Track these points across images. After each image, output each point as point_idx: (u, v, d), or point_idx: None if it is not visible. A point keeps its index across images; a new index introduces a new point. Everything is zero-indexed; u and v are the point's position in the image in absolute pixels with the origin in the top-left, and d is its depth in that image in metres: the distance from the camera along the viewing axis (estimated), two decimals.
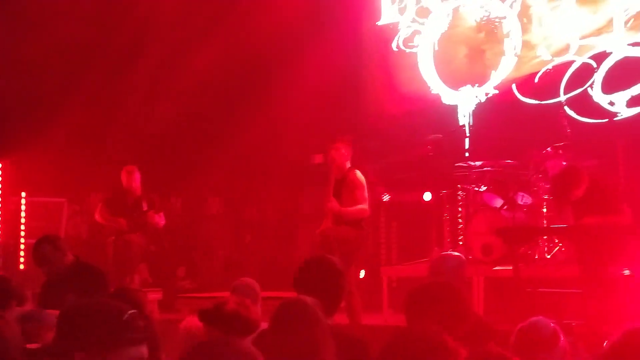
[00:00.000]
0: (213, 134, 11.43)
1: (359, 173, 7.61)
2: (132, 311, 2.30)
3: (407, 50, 10.85)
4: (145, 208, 9.06)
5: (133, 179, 9.06)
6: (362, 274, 9.92)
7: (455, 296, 3.68)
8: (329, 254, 7.00)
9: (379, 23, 11.15)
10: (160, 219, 9.00)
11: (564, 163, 8.49)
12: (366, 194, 7.56)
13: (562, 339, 3.23)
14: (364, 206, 7.47)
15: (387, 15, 11.09)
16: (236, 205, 11.69)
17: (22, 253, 10.13)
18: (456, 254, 5.38)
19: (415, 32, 10.84)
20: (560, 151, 8.48)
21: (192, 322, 4.81)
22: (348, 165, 7.66)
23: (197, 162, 11.22)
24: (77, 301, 2.50)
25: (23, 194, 10.42)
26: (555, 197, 7.00)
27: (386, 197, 9.92)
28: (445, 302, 3.63)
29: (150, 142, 11.16)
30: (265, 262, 10.93)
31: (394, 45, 10.92)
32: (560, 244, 8.33)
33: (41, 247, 6.09)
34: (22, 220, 10.33)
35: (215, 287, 9.77)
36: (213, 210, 11.50)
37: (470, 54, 10.48)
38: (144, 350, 2.28)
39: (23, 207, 10.38)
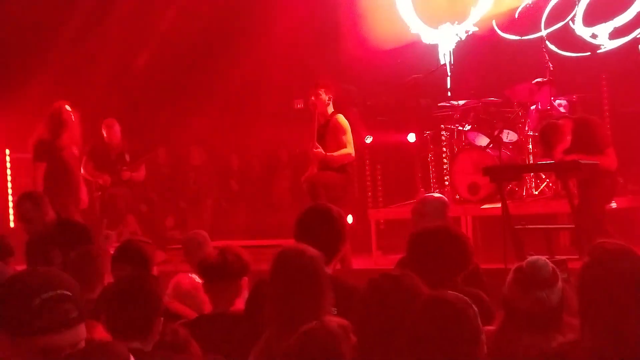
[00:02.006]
0: (193, 84, 11.28)
1: (342, 117, 7.52)
2: (53, 293, 2.04)
3: None
4: (128, 160, 8.98)
5: (113, 133, 8.94)
6: (350, 218, 9.92)
7: (460, 244, 3.70)
8: (315, 200, 7.07)
9: None
10: (138, 175, 8.93)
11: (552, 98, 8.47)
12: (351, 137, 7.49)
13: (559, 277, 3.22)
14: (349, 150, 7.40)
15: None
16: (220, 154, 11.61)
17: (10, 210, 10.03)
18: (438, 195, 5.35)
19: None
20: (546, 86, 8.44)
21: (183, 278, 4.81)
22: (331, 109, 7.56)
23: (178, 112, 11.10)
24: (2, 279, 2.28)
25: (7, 151, 10.29)
26: (541, 151, 7.01)
27: (369, 139, 9.86)
28: (450, 249, 3.64)
29: (130, 94, 11.00)
30: (252, 209, 10.91)
31: None
32: (548, 180, 8.34)
33: (22, 204, 6.00)
34: (9, 178, 10.21)
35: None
36: (197, 160, 11.42)
37: None
38: (66, 336, 2.04)
39: (8, 165, 10.25)
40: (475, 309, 2.59)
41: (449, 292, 2.71)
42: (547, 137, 6.57)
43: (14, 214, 6.21)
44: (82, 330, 2.10)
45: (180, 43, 11.04)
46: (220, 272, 3.97)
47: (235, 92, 11.11)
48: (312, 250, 3.16)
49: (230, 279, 4.00)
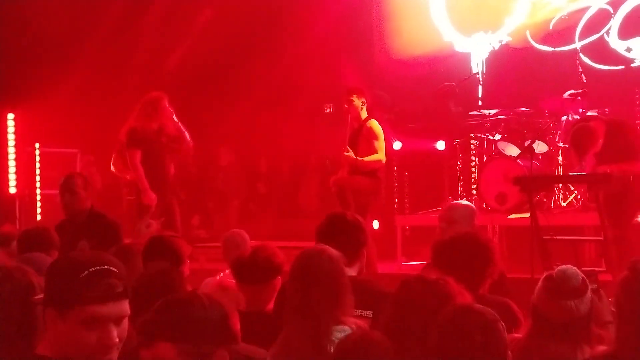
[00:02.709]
0: (224, 85, 11.35)
1: (375, 123, 7.57)
2: (101, 268, 2.15)
3: None
4: None
5: None
6: (376, 224, 9.95)
7: (487, 251, 3.70)
8: (344, 204, 7.11)
9: None
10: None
11: (581, 110, 8.42)
12: (383, 144, 7.52)
13: (589, 287, 3.22)
14: (380, 156, 7.44)
15: None
16: (249, 155, 11.68)
17: (38, 204, 10.14)
18: (466, 202, 5.36)
19: None
20: (579, 98, 8.40)
21: (225, 280, 4.82)
22: (364, 114, 7.60)
23: (208, 113, 11.17)
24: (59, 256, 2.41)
25: (37, 145, 10.37)
26: (572, 154, 6.95)
27: (398, 145, 9.87)
28: (475, 256, 3.64)
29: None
30: (278, 212, 10.96)
31: None
32: (576, 192, 8.30)
33: (73, 179, 6.02)
34: (37, 172, 10.30)
35: None
36: (225, 160, 11.49)
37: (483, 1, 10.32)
38: (112, 308, 2.14)
39: (37, 158, 10.34)
40: (503, 324, 2.55)
41: (478, 304, 2.70)
42: (578, 140, 6.51)
43: (60, 190, 6.16)
44: (126, 306, 2.19)
45: (212, 44, 11.12)
46: (251, 272, 4.00)
47: (266, 95, 11.17)
48: (332, 251, 3.19)
49: (262, 278, 4.02)
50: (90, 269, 2.13)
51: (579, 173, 6.84)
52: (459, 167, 9.61)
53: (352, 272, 3.46)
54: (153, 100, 7.27)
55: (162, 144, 7.28)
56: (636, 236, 6.56)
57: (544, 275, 3.46)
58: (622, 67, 9.24)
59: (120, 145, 8.45)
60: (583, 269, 5.23)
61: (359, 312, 3.31)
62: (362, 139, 7.44)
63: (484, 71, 10.11)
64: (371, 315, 3.18)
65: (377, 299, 3.30)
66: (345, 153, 7.40)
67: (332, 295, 3.09)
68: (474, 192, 9.36)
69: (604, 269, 6.50)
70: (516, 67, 9.83)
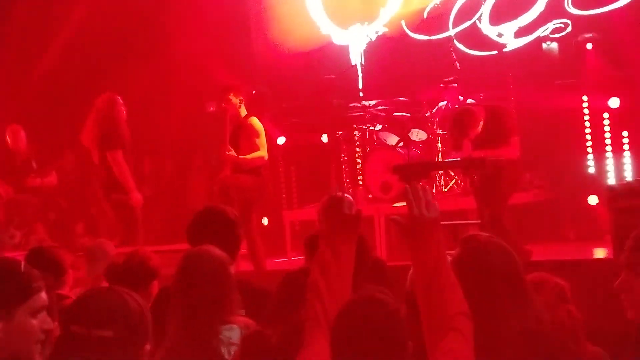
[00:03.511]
0: (103, 86, 11.01)
1: (255, 120, 7.50)
2: (22, 262, 2.31)
3: None
4: (35, 167, 8.74)
5: (19, 139, 8.70)
6: (265, 220, 9.91)
7: (361, 241, 3.68)
8: (228, 203, 7.02)
9: None
10: (49, 180, 8.68)
11: (461, 98, 8.63)
12: (264, 140, 7.46)
13: None
14: (262, 153, 7.38)
15: None
16: (131, 158, 11.37)
17: None
18: (346, 196, 5.36)
19: None
20: (455, 85, 8.59)
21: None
22: (244, 112, 7.52)
23: (86, 115, 10.82)
24: None
25: None
26: (453, 136, 7.09)
27: (281, 140, 9.85)
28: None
29: (35, 99, 10.69)
30: (166, 214, 10.74)
31: None
32: (456, 177, 8.50)
33: None
34: None
35: (115, 242, 9.55)
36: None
37: None
38: (44, 295, 2.28)
39: None
40: (403, 314, 2.45)
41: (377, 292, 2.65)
42: (460, 122, 6.66)
43: None
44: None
45: (86, 45, 10.79)
46: (125, 278, 3.90)
47: (146, 95, 10.91)
48: (217, 252, 3.13)
49: (137, 284, 3.92)
50: (22, 264, 2.27)
51: (455, 159, 7.00)
52: (344, 159, 9.68)
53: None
54: (111, 102, 7.34)
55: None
56: (509, 217, 6.76)
57: None
58: (494, 52, 9.50)
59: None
60: None
61: None
62: (243, 137, 7.37)
63: (363, 62, 10.21)
64: (243, 314, 3.14)
65: (250, 297, 3.26)
66: (227, 152, 7.30)
67: (218, 296, 3.05)
68: (359, 182, 9.45)
69: None
70: (394, 57, 9.97)
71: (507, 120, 6.83)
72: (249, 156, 7.31)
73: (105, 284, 4.70)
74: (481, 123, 6.67)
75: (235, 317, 3.13)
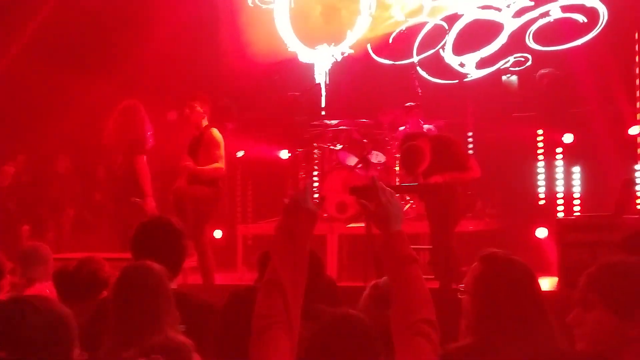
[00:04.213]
0: (62, 89, 10.93)
1: (216, 131, 7.46)
2: None
3: (263, 6, 10.74)
4: None
5: None
6: (218, 233, 9.89)
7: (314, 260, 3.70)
8: (182, 213, 6.99)
9: None
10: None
11: (421, 122, 8.73)
12: (223, 152, 7.43)
13: None
14: (220, 165, 7.34)
15: None
16: (85, 162, 11.28)
17: None
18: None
19: None
20: (416, 110, 8.70)
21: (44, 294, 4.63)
22: (205, 122, 7.49)
23: (46, 118, 10.72)
24: None
25: None
26: (403, 172, 7.19)
27: (240, 153, 9.85)
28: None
29: None
30: (115, 222, 10.63)
31: (249, 1, 10.78)
32: (412, 202, 8.59)
33: None
34: None
35: (64, 247, 9.45)
36: (61, 167, 11.05)
37: (325, 11, 10.50)
38: None
39: None
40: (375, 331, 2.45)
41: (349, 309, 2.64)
42: (407, 160, 6.74)
43: None
44: None
45: (45, 46, 10.69)
46: (74, 287, 3.85)
47: (106, 101, 10.84)
48: (156, 266, 3.09)
49: (87, 294, 3.88)
50: None
51: (411, 183, 7.07)
52: (302, 176, 9.71)
53: (172, 284, 3.37)
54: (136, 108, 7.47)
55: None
56: (460, 244, 6.86)
57: (371, 284, 3.53)
58: (456, 81, 9.65)
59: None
60: None
61: None
62: (203, 147, 7.32)
63: (327, 82, 10.29)
64: (184, 330, 3.11)
65: (191, 312, 3.23)
66: (184, 162, 7.26)
67: (154, 311, 3.00)
68: (316, 201, 9.47)
69: (432, 277, 6.76)
70: (357, 79, 10.08)
71: (456, 148, 6.91)
72: (206, 167, 7.27)
73: (41, 288, 4.66)
74: (428, 158, 6.70)
75: (174, 334, 3.10)
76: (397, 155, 8.72)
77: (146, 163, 7.27)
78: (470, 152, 9.09)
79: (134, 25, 10.63)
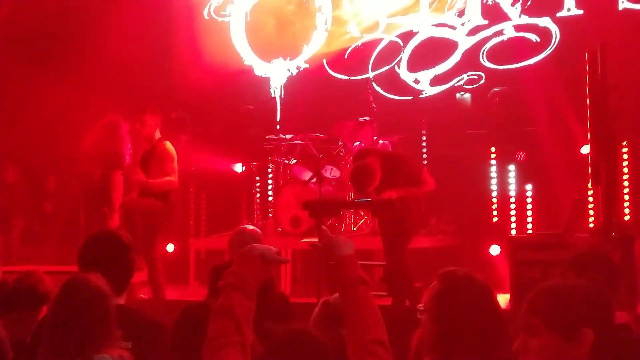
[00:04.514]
0: (11, 98, 10.72)
1: (168, 144, 7.38)
2: None
3: (219, 19, 10.70)
4: None
5: None
6: (171, 247, 9.77)
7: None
8: (132, 226, 6.88)
9: None
10: None
11: (375, 138, 8.74)
12: (175, 165, 7.35)
13: None
14: (172, 178, 7.25)
15: None
16: (35, 172, 11.06)
17: None
18: (251, 227, 5.32)
19: (227, 1, 10.70)
20: (370, 125, 8.71)
21: None
22: (157, 135, 7.40)
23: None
24: None
25: None
26: (354, 191, 7.17)
27: (194, 167, 9.77)
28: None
29: None
30: (66, 233, 10.45)
31: (205, 13, 10.73)
32: (365, 217, 8.59)
33: None
34: None
35: (12, 259, 9.23)
36: (10, 177, 10.81)
37: (278, 25, 10.49)
38: None
39: None
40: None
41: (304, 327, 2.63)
42: (357, 180, 6.68)
43: None
44: None
45: None
46: (13, 300, 3.75)
47: (57, 110, 10.66)
48: (96, 280, 3.00)
49: (25, 307, 3.78)
50: None
51: (364, 199, 7.05)
52: (256, 190, 9.66)
53: (120, 300, 3.29)
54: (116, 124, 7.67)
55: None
56: (413, 260, 6.86)
57: (322, 300, 3.50)
58: (410, 97, 9.70)
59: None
60: None
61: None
62: (154, 160, 7.23)
63: (282, 96, 10.27)
64: (130, 347, 3.03)
65: (137, 329, 3.16)
66: (134, 175, 7.16)
67: (92, 327, 2.90)
68: (270, 215, 9.43)
69: (386, 294, 6.74)
70: (313, 94, 10.08)
71: (406, 164, 6.90)
72: (157, 180, 7.18)
73: None
74: (378, 175, 6.68)
75: (113, 349, 3.01)
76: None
77: (121, 179, 7.43)
78: (424, 162, 9.15)
79: (86, 35, 10.48)
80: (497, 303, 2.63)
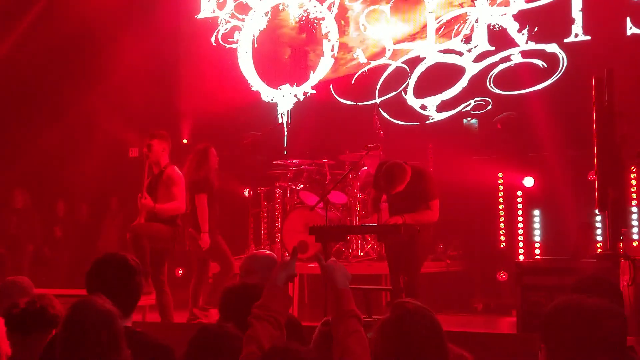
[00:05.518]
0: (21, 124, 10.81)
1: (176, 169, 7.42)
2: None
3: (227, 45, 10.78)
4: None
5: None
6: (180, 271, 9.78)
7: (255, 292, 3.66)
8: (140, 251, 6.90)
9: (198, 16, 11.01)
10: None
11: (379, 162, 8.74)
12: (183, 190, 7.38)
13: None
14: (179, 203, 7.29)
15: (206, 9, 10.98)
16: (44, 197, 11.12)
17: None
18: (267, 252, 5.34)
19: (235, 28, 10.80)
20: (377, 151, 8.72)
21: None
22: (165, 161, 7.44)
23: (2, 151, 10.56)
24: None
25: None
26: (376, 188, 7.12)
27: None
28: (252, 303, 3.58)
29: None
30: (75, 258, 10.49)
31: (212, 40, 10.82)
32: (372, 242, 8.58)
33: None
34: None
35: None
36: (19, 202, 10.87)
37: (293, 54, 10.58)
38: None
39: None
40: None
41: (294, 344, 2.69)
42: (391, 174, 6.64)
43: None
44: None
45: (4, 81, 10.59)
46: (23, 321, 3.75)
47: (66, 135, 10.75)
48: (103, 302, 3.02)
49: (34, 329, 3.78)
50: None
51: (371, 224, 7.05)
52: (263, 215, 9.67)
53: (127, 322, 3.30)
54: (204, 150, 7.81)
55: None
56: (419, 285, 6.83)
57: (322, 320, 3.50)
58: (417, 123, 9.73)
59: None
60: (372, 318, 5.40)
61: None
62: (162, 185, 7.27)
63: (289, 122, 10.32)
64: None
65: (144, 351, 3.16)
66: (142, 199, 7.18)
67: (101, 350, 2.92)
68: (277, 240, 9.44)
69: None
70: (319, 120, 10.12)
71: (429, 182, 6.90)
72: (165, 205, 7.21)
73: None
74: (407, 181, 6.71)
75: None
76: (360, 196, 8.72)
77: (206, 202, 7.60)
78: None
79: (93, 62, 10.59)
80: (443, 339, 2.62)
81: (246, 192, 9.98)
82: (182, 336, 3.93)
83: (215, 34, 10.81)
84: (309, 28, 10.52)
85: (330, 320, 3.29)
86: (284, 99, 10.46)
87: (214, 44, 10.81)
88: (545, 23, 9.17)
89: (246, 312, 3.63)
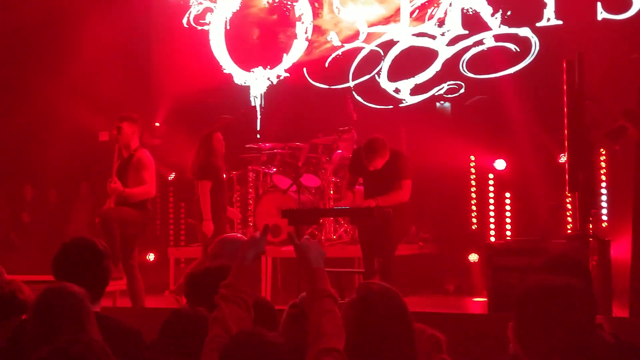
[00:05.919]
0: None
1: (146, 153, 7.33)
2: None
3: (198, 27, 10.68)
4: None
5: None
6: (151, 256, 9.72)
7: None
8: (110, 235, 6.83)
9: None
10: None
11: (355, 147, 8.73)
12: (153, 174, 7.29)
13: None
14: (149, 187, 7.20)
15: None
16: (12, 183, 10.98)
17: None
18: (237, 235, 5.30)
19: (207, 10, 10.70)
20: (350, 135, 8.71)
21: None
22: (135, 144, 7.35)
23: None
24: None
25: None
26: (352, 171, 7.13)
27: (172, 176, 9.73)
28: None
29: None
30: (44, 244, 10.37)
31: (184, 22, 10.72)
32: (345, 225, 8.58)
33: None
34: None
35: None
36: None
37: (263, 36, 10.51)
38: None
39: None
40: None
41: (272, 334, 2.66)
42: (374, 146, 6.71)
43: None
44: None
45: None
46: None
47: (33, 120, 10.60)
48: (75, 288, 2.99)
49: (5, 315, 3.73)
50: None
51: (344, 207, 7.05)
52: (237, 199, 9.63)
53: (95, 307, 3.27)
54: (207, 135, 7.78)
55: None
56: (397, 266, 6.86)
57: (290, 303, 3.50)
58: (391, 106, 9.72)
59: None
60: (345, 300, 5.40)
61: None
62: (131, 169, 7.17)
63: (262, 105, 10.26)
64: None
65: (114, 336, 3.13)
66: (111, 184, 7.09)
67: (73, 336, 2.89)
68: (250, 223, 9.41)
69: None
70: (293, 103, 10.07)
71: (405, 162, 6.93)
72: (135, 189, 7.12)
73: None
74: (387, 158, 6.75)
75: None
76: (333, 179, 8.71)
77: (208, 188, 7.60)
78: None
79: (62, 43, 10.44)
80: (409, 320, 2.65)
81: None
82: (153, 321, 3.90)
83: (187, 15, 10.70)
84: (281, 10, 10.45)
85: (298, 302, 3.30)
86: (257, 82, 10.40)
87: (186, 26, 10.71)
88: (518, 7, 9.19)
89: (213, 296, 3.61)
